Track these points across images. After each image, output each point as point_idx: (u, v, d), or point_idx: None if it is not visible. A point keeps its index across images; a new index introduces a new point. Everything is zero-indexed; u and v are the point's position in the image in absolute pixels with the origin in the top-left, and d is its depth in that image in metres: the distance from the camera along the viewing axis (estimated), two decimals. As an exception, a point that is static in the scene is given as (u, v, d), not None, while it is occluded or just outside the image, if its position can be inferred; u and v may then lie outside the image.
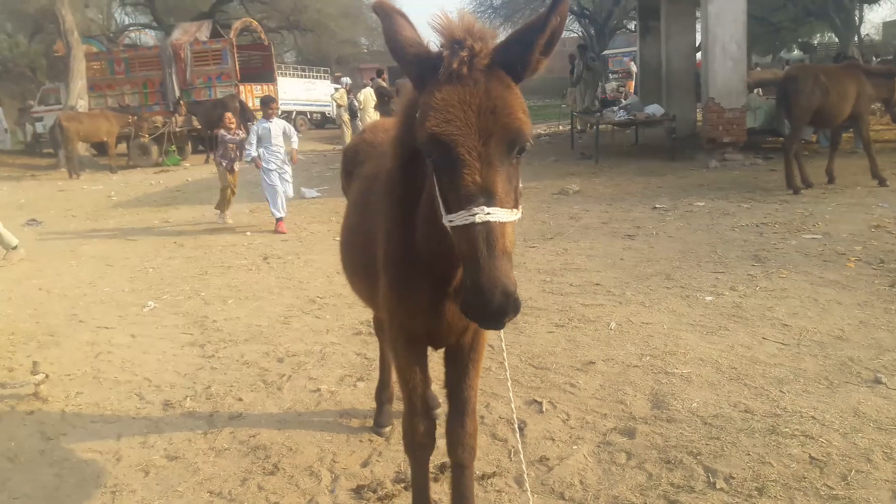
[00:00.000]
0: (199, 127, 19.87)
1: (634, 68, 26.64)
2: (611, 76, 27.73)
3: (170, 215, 10.94)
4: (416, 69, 1.85)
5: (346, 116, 20.03)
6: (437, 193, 1.80)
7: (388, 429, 3.74)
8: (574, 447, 3.49)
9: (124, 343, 5.29)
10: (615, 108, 13.73)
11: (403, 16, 1.93)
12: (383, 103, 18.53)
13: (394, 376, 3.53)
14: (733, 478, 3.14)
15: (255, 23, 25.86)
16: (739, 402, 3.83)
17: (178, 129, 19.66)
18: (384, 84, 18.80)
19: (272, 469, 3.43)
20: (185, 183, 14.98)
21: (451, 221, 1.74)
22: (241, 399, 4.23)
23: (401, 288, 2.32)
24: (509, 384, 2.65)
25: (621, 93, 24.27)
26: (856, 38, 29.82)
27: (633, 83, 25.04)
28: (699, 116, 15.82)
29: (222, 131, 9.79)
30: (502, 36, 1.84)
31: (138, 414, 4.13)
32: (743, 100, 11.81)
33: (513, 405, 2.76)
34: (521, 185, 1.88)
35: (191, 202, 12.13)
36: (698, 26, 17.04)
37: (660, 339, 4.73)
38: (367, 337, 5.14)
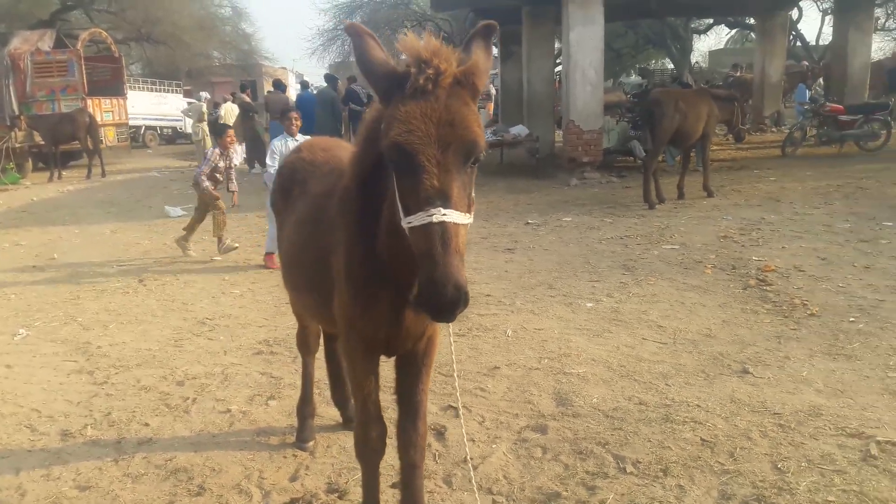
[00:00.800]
0: (42, 143, 18.43)
1: (493, 91, 27.80)
2: (470, 98, 28.57)
3: (21, 237, 10.11)
4: (384, 85, 1.99)
5: (206, 131, 19.35)
6: (398, 199, 1.94)
7: (311, 443, 3.76)
8: (493, 446, 3.70)
9: (1, 374, 4.90)
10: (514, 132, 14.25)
11: (373, 37, 2.07)
12: (246, 118, 18.11)
13: (326, 390, 3.58)
14: (640, 462, 3.47)
15: (104, 33, 24.38)
16: (633, 395, 4.20)
17: (17, 145, 18.12)
18: (248, 99, 18.37)
19: (198, 490, 3.36)
20: (30, 203, 13.86)
21: (409, 223, 1.87)
22: (147, 424, 4.08)
23: (364, 298, 2.39)
24: (457, 384, 2.79)
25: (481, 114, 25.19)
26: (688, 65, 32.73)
27: (493, 105, 26.13)
28: (558, 137, 16.83)
29: (217, 150, 8.45)
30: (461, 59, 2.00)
31: (34, 446, 3.87)
32: (600, 122, 12.73)
33: (458, 394, 2.88)
34: (473, 194, 2.02)
35: (42, 223, 11.27)
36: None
37: (553, 344, 5.06)
38: (269, 356, 5.10)
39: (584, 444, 3.67)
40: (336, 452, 3.71)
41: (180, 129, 32.43)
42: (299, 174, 3.19)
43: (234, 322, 5.89)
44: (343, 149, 3.26)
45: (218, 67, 43.36)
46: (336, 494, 3.31)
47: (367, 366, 2.59)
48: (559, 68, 19.21)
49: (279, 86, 18.07)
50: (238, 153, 19.74)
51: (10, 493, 3.40)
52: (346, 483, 3.39)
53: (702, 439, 3.66)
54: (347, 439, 3.84)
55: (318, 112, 16.49)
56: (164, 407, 4.30)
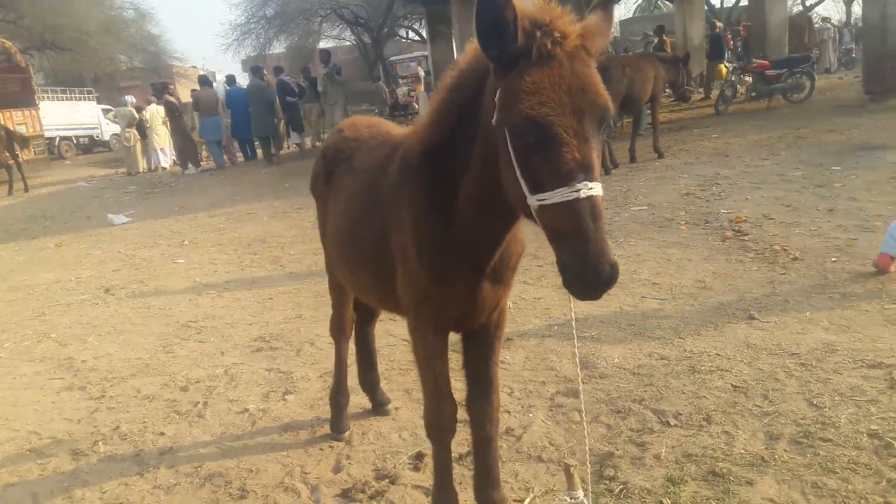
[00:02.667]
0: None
1: (422, 72, 27.65)
2: (400, 81, 28.46)
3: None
4: (502, 51, 1.79)
5: (137, 136, 18.59)
6: (519, 175, 1.80)
7: (347, 433, 3.65)
8: (530, 415, 3.67)
9: (-19, 401, 4.58)
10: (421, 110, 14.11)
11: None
12: (174, 119, 17.46)
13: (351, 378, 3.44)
14: (680, 414, 3.50)
15: (7, 43, 23.01)
16: (652, 352, 4.24)
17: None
18: (173, 99, 17.70)
19: (240, 493, 3.21)
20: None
21: (543, 200, 1.75)
22: (162, 433, 3.87)
23: (438, 272, 2.30)
24: (576, 344, 2.72)
25: (412, 97, 25.06)
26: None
27: (423, 87, 25.98)
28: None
29: None
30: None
31: (45, 470, 3.62)
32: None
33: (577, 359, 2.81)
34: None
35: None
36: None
37: (557, 310, 5.06)
38: (271, 352, 4.93)
39: (621, 403, 3.67)
40: (374, 438, 3.62)
41: (97, 136, 31.08)
42: (343, 153, 3.05)
43: (220, 323, 5.66)
44: (386, 124, 3.16)
45: (125, 71, 41.70)
46: (387, 480, 3.21)
47: (439, 343, 2.51)
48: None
49: (206, 82, 17.46)
50: (167, 155, 19.10)
51: (36, 521, 3.17)
52: (395, 468, 3.30)
53: (732, 385, 3.72)
54: (381, 425, 3.76)
55: (251, 106, 16.03)
56: (174, 414, 4.10)
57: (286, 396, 4.19)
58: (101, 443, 3.83)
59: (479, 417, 2.64)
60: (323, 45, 46.32)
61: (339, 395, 3.67)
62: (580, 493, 2.76)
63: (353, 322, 3.71)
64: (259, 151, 17.38)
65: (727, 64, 17.37)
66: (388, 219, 2.48)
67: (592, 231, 1.70)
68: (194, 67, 48.43)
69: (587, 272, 1.70)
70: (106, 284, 7.26)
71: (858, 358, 3.83)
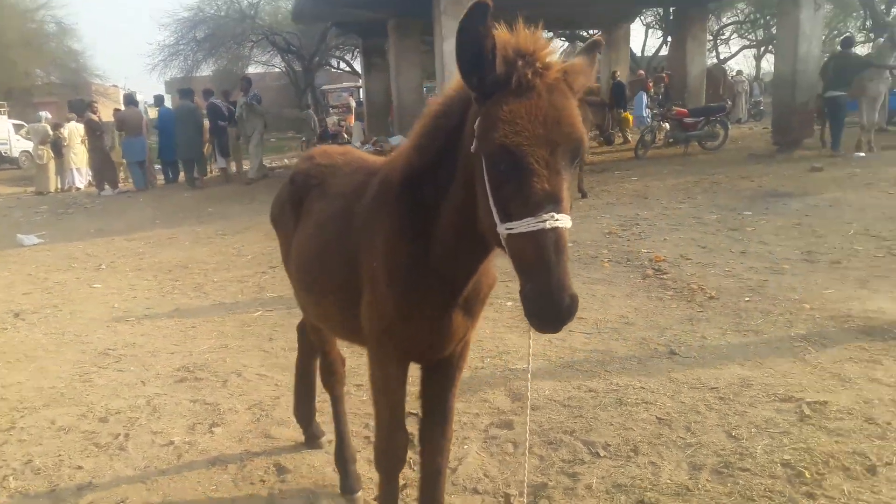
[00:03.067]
0: None
1: (353, 103, 27.75)
2: (331, 110, 28.43)
3: None
4: (481, 79, 1.81)
5: (50, 153, 17.81)
6: (492, 203, 1.82)
7: (360, 494, 3.29)
8: (465, 447, 3.69)
9: None
10: (364, 143, 14.16)
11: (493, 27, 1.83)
12: (94, 138, 16.86)
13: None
14: (609, 445, 3.61)
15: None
16: (581, 384, 4.36)
17: None
18: (95, 117, 17.10)
19: (165, 529, 3.10)
20: None
21: (510, 229, 1.77)
22: (80, 467, 3.68)
23: (409, 302, 2.27)
24: (529, 379, 2.75)
25: (342, 126, 25.08)
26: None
27: (354, 117, 26.07)
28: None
29: None
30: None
31: (-53, 507, 3.39)
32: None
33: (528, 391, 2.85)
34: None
35: None
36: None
37: (490, 343, 5.13)
38: (195, 383, 4.78)
39: (553, 435, 3.75)
40: (306, 472, 3.56)
41: (5, 153, 29.60)
42: (315, 179, 2.98)
43: (140, 351, 5.46)
44: (358, 152, 3.14)
45: (41, 87, 40.06)
46: (321, 513, 3.17)
47: (399, 373, 2.47)
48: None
49: (132, 101, 16.98)
50: (83, 175, 18.37)
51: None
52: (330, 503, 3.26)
53: (657, 418, 3.86)
54: (314, 458, 3.70)
55: (178, 127, 15.68)
56: (93, 447, 3.91)
57: (213, 429, 4.07)
58: (11, 478, 3.61)
59: (431, 449, 2.62)
60: (252, 70, 45.85)
61: (344, 451, 3.39)
62: (515, 523, 2.82)
63: (343, 363, 3.56)
64: (181, 175, 16.95)
65: (632, 112, 18.16)
66: (360, 244, 2.44)
67: (554, 263, 1.72)
68: (115, 86, 47.00)
69: (547, 304, 1.71)
70: (15, 308, 6.88)
71: (771, 392, 4.05)
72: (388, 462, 2.61)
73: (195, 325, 6.06)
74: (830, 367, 4.30)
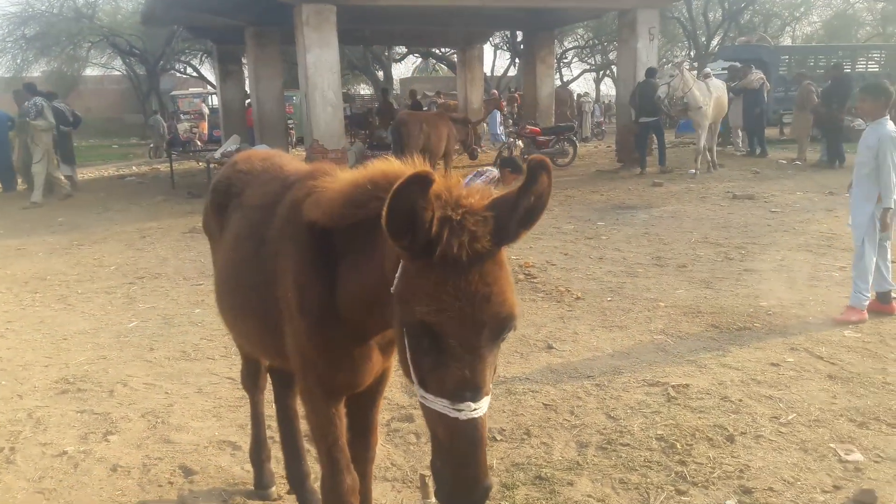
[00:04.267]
0: None
1: (206, 109, 26.83)
2: (182, 117, 27.33)
3: None
4: (411, 238, 1.60)
5: None
6: (409, 358, 1.70)
7: (273, 489, 3.36)
8: (370, 440, 3.87)
9: None
10: (224, 149, 13.80)
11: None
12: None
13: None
14: (504, 430, 3.93)
15: None
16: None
17: None
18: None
19: (77, 535, 3.03)
20: None
21: (425, 399, 1.67)
22: (-35, 483, 3.49)
23: (321, 337, 2.19)
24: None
25: (195, 133, 24.21)
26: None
27: (206, 124, 25.22)
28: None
29: None
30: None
31: None
32: (343, 141, 13.19)
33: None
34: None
35: None
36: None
37: (380, 345, 5.33)
38: (79, 394, 4.60)
39: (451, 425, 4.01)
40: (214, 472, 3.59)
41: None
42: (235, 187, 2.86)
43: (10, 365, 5.14)
44: (283, 157, 3.03)
45: None
46: (237, 509, 3.23)
47: (329, 408, 2.34)
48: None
49: None
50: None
51: None
52: (243, 502, 3.32)
53: (543, 404, 4.24)
54: (221, 459, 3.73)
55: (20, 133, 14.56)
56: (-25, 462, 3.70)
57: (108, 437, 3.97)
58: None
59: (355, 457, 2.56)
60: (90, 72, 43.05)
61: (259, 451, 3.38)
62: (433, 500, 3.05)
63: (265, 372, 3.36)
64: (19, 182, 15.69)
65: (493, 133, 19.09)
66: (274, 270, 2.33)
67: (469, 456, 1.62)
68: (-73, 84, 42.38)
69: (459, 495, 1.65)
70: None
71: (640, 378, 4.55)
72: None
73: (66, 337, 5.76)
74: (687, 355, 4.90)
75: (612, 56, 37.87)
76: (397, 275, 1.71)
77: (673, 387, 4.37)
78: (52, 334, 5.85)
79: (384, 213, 1.55)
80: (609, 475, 3.42)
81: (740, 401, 4.14)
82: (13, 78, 35.54)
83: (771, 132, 20.78)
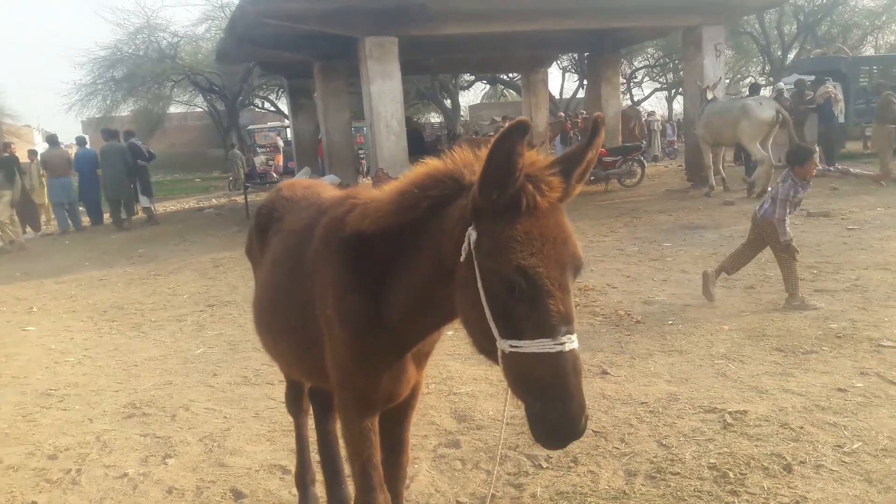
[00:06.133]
0: None
1: (281, 143, 27.80)
2: (258, 150, 28.39)
3: None
4: (496, 195, 1.78)
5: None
6: (490, 318, 1.80)
7: None
8: (415, 466, 3.88)
9: None
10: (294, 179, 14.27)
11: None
12: (10, 178, 16.35)
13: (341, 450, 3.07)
14: (550, 457, 3.87)
15: None
16: (521, 404, 4.61)
17: None
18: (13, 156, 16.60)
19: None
20: None
21: (517, 347, 1.76)
22: (34, 502, 3.69)
23: (360, 351, 2.27)
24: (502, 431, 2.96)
25: (271, 165, 25.10)
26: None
27: (281, 157, 26.12)
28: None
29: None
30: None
31: None
32: (407, 168, 13.36)
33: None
34: None
35: None
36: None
37: (434, 369, 5.34)
38: (144, 418, 4.81)
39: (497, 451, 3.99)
40: (263, 496, 3.67)
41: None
42: (277, 212, 2.98)
43: (84, 390, 5.43)
44: (324, 186, 3.15)
45: (-56, 126, 38.44)
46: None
47: (364, 422, 2.41)
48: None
49: (55, 141, 16.63)
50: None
51: None
52: (288, 521, 3.39)
53: (594, 431, 4.15)
54: (270, 483, 3.82)
55: (105, 167, 15.47)
56: (44, 483, 3.91)
57: (167, 460, 4.13)
58: (-38, 516, 3.60)
59: (388, 476, 2.62)
60: (174, 109, 45.27)
61: (303, 475, 3.46)
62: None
63: (307, 396, 3.43)
64: (105, 216, 16.61)
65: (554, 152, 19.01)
66: (312, 287, 2.40)
67: (574, 386, 1.74)
68: (28, 126, 45.53)
69: (565, 427, 1.74)
70: (-57, 353, 6.69)
71: (697, 405, 4.41)
72: None
73: (137, 363, 6.04)
74: (748, 380, 4.71)
75: (682, 74, 37.24)
76: (472, 241, 1.83)
77: (730, 413, 4.21)
78: (125, 361, 6.14)
79: (483, 165, 1.76)
80: (656, 505, 3.32)
81: (801, 428, 3.95)
82: (104, 118, 37.80)
83: (854, 146, 20.00)
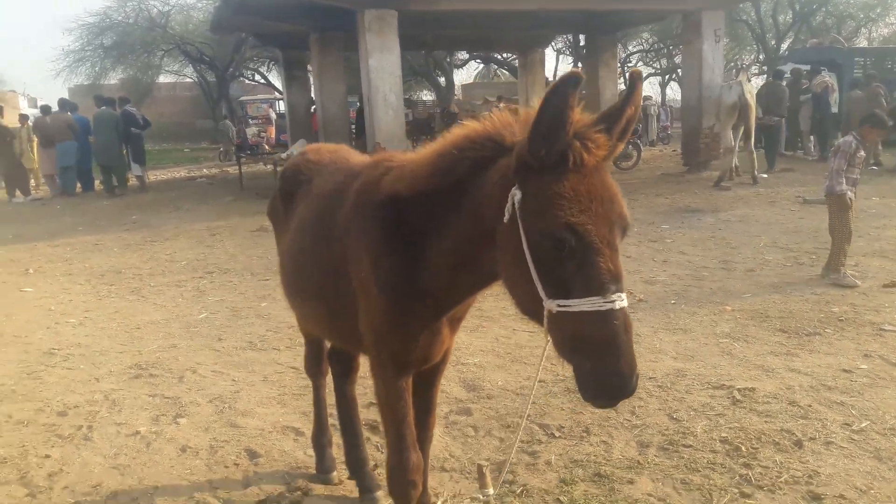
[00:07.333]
0: None
1: (273, 114, 27.54)
2: (250, 122, 28.12)
3: None
4: (545, 150, 1.76)
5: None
6: (537, 278, 1.78)
7: (334, 473, 3.43)
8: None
9: None
10: (290, 152, 14.13)
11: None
12: (3, 143, 16.15)
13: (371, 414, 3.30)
14: (563, 427, 3.91)
15: None
16: (530, 376, 4.65)
17: None
18: (3, 122, 16.39)
19: (150, 510, 3.16)
20: None
21: (566, 307, 1.74)
22: (47, 456, 3.68)
23: (397, 312, 2.27)
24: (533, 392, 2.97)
25: (262, 137, 24.87)
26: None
27: (273, 129, 25.87)
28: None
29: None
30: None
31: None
32: (404, 144, 13.32)
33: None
34: None
35: None
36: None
37: (440, 341, 5.37)
38: (151, 379, 4.80)
39: (510, 419, 4.02)
40: (278, 456, 3.69)
41: None
42: (303, 175, 2.97)
43: (87, 351, 5.39)
44: (349, 151, 3.15)
45: None
46: (300, 492, 3.31)
47: (399, 383, 2.42)
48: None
49: (66, 105, 16.40)
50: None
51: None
52: (305, 484, 3.39)
53: (604, 403, 4.19)
54: (284, 444, 3.82)
55: (98, 134, 15.28)
56: (56, 438, 3.90)
57: (178, 420, 4.12)
58: (-24, 468, 3.58)
59: (420, 438, 2.65)
60: (163, 79, 44.65)
61: (320, 436, 3.46)
62: (491, 491, 3.06)
63: (326, 359, 3.45)
64: (96, 183, 16.43)
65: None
66: (345, 251, 2.41)
67: (625, 344, 1.74)
68: (13, 92, 44.72)
69: (617, 385, 1.75)
70: (-58, 310, 6.61)
71: (704, 381, 4.46)
72: (400, 485, 2.51)
73: (139, 326, 6.01)
74: (754, 359, 4.77)
75: (677, 60, 37.15)
76: (516, 201, 1.81)
77: (738, 390, 4.27)
78: (126, 323, 6.10)
79: (535, 118, 1.73)
80: (670, 475, 3.36)
81: (809, 406, 4.01)
82: (92, 85, 37.22)
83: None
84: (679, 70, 35.23)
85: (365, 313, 2.39)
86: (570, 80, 1.71)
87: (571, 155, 1.75)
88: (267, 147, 22.69)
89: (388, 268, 2.24)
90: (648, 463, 3.50)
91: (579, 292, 1.74)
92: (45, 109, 16.72)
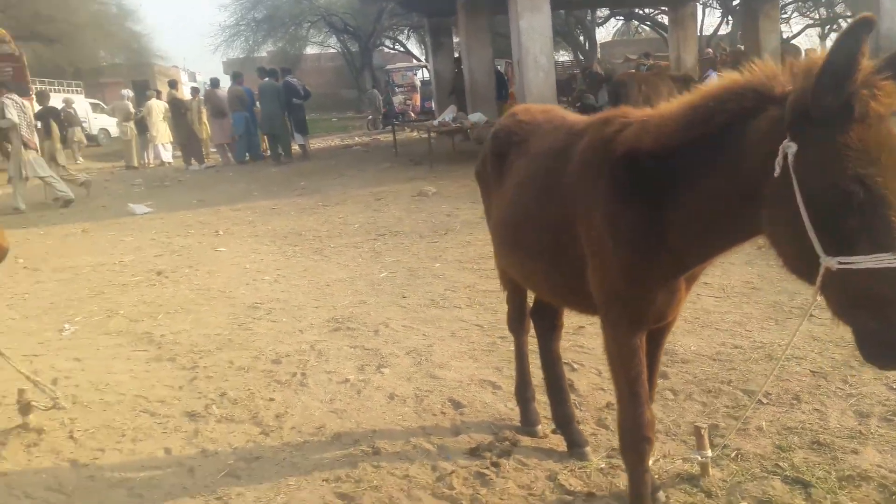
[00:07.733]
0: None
1: (418, 82, 28.09)
2: (397, 90, 28.84)
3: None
4: (834, 99, 1.69)
5: (133, 130, 18.55)
6: (813, 235, 1.73)
7: (540, 427, 3.48)
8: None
9: (73, 367, 4.68)
10: (441, 119, 14.39)
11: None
12: (178, 115, 17.53)
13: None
14: (770, 394, 3.78)
15: (2, 31, 22.74)
16: (725, 341, 4.53)
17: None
18: (178, 95, 17.77)
19: (373, 451, 3.37)
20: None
21: (849, 264, 1.68)
22: (272, 399, 4.04)
23: (636, 267, 2.25)
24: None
25: (408, 105, 25.44)
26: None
27: (418, 96, 26.41)
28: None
29: None
30: None
31: (167, 429, 3.74)
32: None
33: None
34: None
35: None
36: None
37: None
38: (349, 332, 5.11)
39: (710, 384, 3.94)
40: (480, 407, 3.83)
41: (86, 130, 30.77)
42: (517, 136, 2.97)
43: (287, 305, 5.83)
44: (559, 110, 3.16)
45: (106, 67, 41.38)
46: (508, 442, 3.42)
47: (633, 342, 2.39)
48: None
49: (237, 78, 17.63)
50: (168, 150, 19.10)
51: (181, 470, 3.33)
52: (512, 434, 3.51)
53: (811, 371, 4.01)
54: (485, 396, 3.96)
55: (263, 104, 16.26)
56: (275, 383, 4.26)
57: (381, 370, 4.38)
58: (213, 406, 3.98)
59: None
60: (309, 50, 46.59)
61: (524, 390, 3.52)
62: (708, 452, 3.03)
63: (528, 316, 3.52)
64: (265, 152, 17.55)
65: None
66: (573, 209, 2.40)
67: None
68: (175, 67, 48.28)
69: None
70: (155, 268, 7.35)
71: (921, 351, 4.15)
72: (633, 441, 2.49)
73: (329, 283, 6.41)
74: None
75: (838, 9, 33.99)
76: (791, 153, 1.74)
77: (965, 362, 3.94)
78: (317, 281, 6.52)
79: (822, 65, 1.65)
80: (900, 448, 3.19)
81: None
82: (246, 58, 39.45)
83: None
84: (841, 20, 32.26)
85: (597, 271, 2.39)
86: (864, 24, 1.62)
87: (858, 104, 1.67)
88: (412, 115, 23.18)
89: (626, 225, 2.22)
90: (872, 434, 3.32)
91: (866, 248, 1.67)
92: (215, 82, 17.96)
